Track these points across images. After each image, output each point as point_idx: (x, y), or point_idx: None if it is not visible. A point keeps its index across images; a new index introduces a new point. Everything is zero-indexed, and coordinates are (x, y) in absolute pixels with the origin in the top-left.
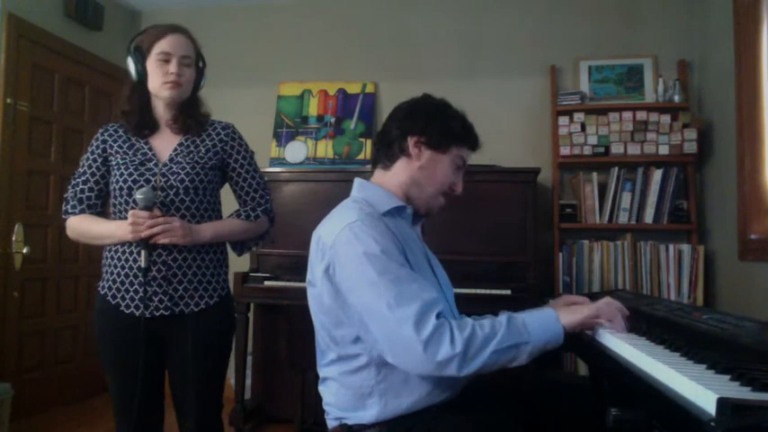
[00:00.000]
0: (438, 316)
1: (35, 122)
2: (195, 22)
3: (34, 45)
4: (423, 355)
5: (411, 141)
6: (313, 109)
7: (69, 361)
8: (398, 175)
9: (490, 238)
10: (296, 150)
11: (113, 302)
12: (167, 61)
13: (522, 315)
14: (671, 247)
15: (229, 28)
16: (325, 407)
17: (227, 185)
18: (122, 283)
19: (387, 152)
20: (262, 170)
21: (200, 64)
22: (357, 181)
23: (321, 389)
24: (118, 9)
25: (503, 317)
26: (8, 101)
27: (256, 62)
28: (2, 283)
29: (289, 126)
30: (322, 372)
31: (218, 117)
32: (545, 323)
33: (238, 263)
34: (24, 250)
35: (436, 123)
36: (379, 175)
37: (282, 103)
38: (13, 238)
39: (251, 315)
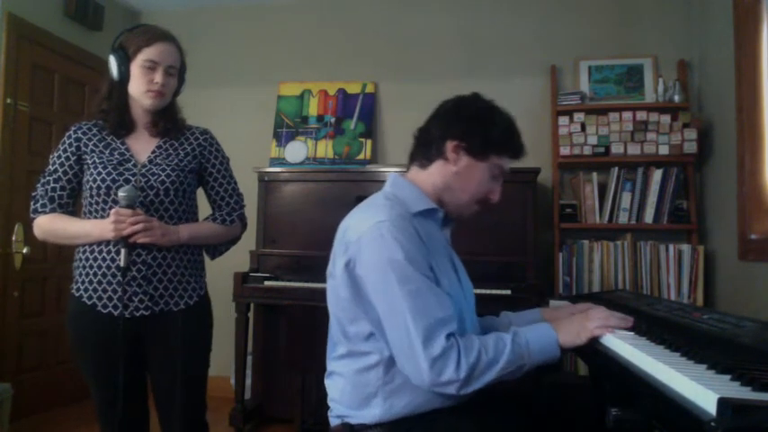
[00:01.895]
0: (449, 336)
1: (35, 122)
2: (195, 22)
3: (34, 45)
4: (427, 372)
5: (450, 145)
6: (313, 109)
7: (69, 361)
8: (434, 176)
9: (490, 237)
10: (296, 150)
11: (89, 303)
12: (153, 69)
13: (527, 335)
14: (671, 247)
15: (229, 28)
16: (329, 402)
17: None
18: (99, 282)
19: (425, 151)
20: (262, 170)
21: (182, 69)
22: (392, 176)
23: (327, 382)
24: (118, 9)
25: (507, 338)
26: (8, 101)
27: (256, 62)
28: (2, 283)
29: (289, 126)
30: (330, 365)
31: (218, 117)
32: (546, 348)
33: (238, 263)
34: (24, 250)
35: (478, 130)
36: (415, 172)
37: (282, 103)
38: (13, 238)
39: (251, 315)
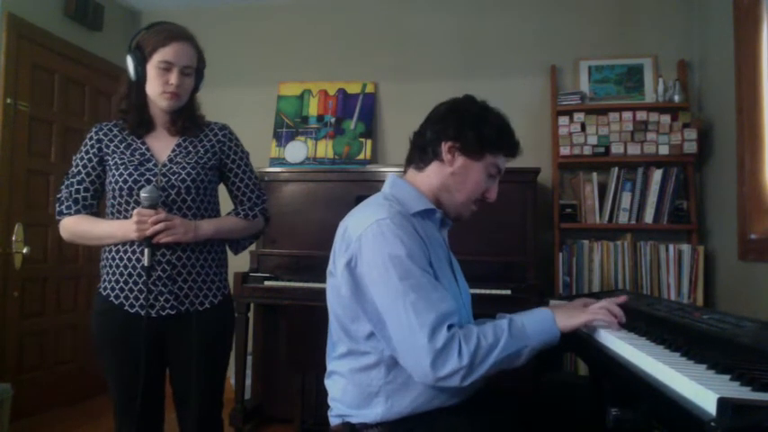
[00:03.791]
0: (450, 327)
1: (35, 122)
2: (195, 21)
3: (34, 45)
4: (429, 366)
5: (445, 146)
6: (313, 109)
7: (69, 361)
8: (430, 178)
9: (490, 237)
10: (296, 150)
11: (117, 302)
12: (168, 70)
13: (522, 317)
14: (671, 247)
15: (229, 28)
16: (330, 402)
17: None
18: (126, 282)
19: (420, 154)
20: (262, 170)
21: (201, 65)
22: (391, 177)
23: (327, 383)
24: (118, 9)
25: (504, 322)
26: (8, 101)
27: (256, 62)
28: (2, 283)
29: (289, 126)
30: (330, 365)
31: (218, 117)
32: (543, 326)
33: (238, 263)
34: (24, 250)
35: (471, 129)
36: (412, 174)
37: (282, 103)
38: (13, 238)
39: (251, 315)
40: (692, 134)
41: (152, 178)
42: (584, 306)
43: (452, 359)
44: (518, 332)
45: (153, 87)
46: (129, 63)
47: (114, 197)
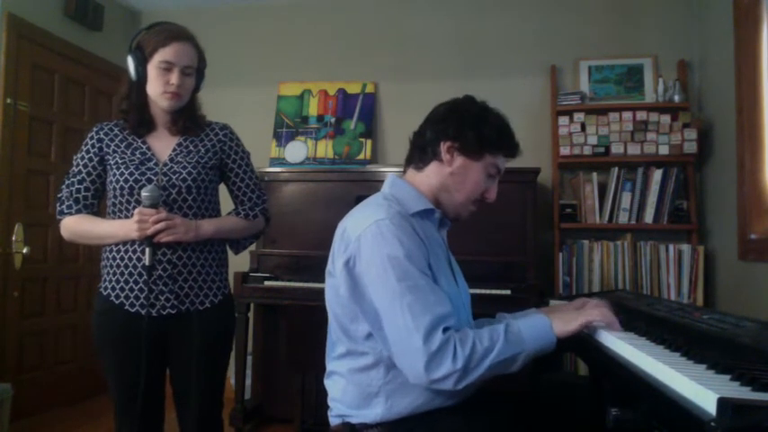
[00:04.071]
0: (445, 330)
1: (35, 122)
2: (195, 21)
3: (34, 45)
4: (423, 369)
5: (444, 146)
6: (313, 109)
7: (69, 361)
8: (430, 177)
9: (490, 237)
10: (296, 150)
11: (117, 302)
12: (169, 70)
13: (518, 323)
14: (671, 247)
15: (229, 28)
16: (329, 402)
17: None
18: (126, 282)
19: (420, 154)
20: (262, 170)
21: (202, 65)
22: (390, 177)
23: (327, 383)
24: (118, 9)
25: (500, 327)
26: (8, 101)
27: (256, 62)
28: (2, 283)
29: (289, 126)
30: (330, 365)
31: (218, 117)
32: (540, 332)
33: (238, 263)
34: (24, 250)
35: (471, 129)
36: (411, 174)
37: (282, 103)
38: (13, 238)
39: (251, 315)
40: (692, 134)
41: (153, 177)
42: (582, 306)
43: (447, 362)
44: (514, 337)
45: (154, 87)
46: (130, 63)
47: (115, 196)
